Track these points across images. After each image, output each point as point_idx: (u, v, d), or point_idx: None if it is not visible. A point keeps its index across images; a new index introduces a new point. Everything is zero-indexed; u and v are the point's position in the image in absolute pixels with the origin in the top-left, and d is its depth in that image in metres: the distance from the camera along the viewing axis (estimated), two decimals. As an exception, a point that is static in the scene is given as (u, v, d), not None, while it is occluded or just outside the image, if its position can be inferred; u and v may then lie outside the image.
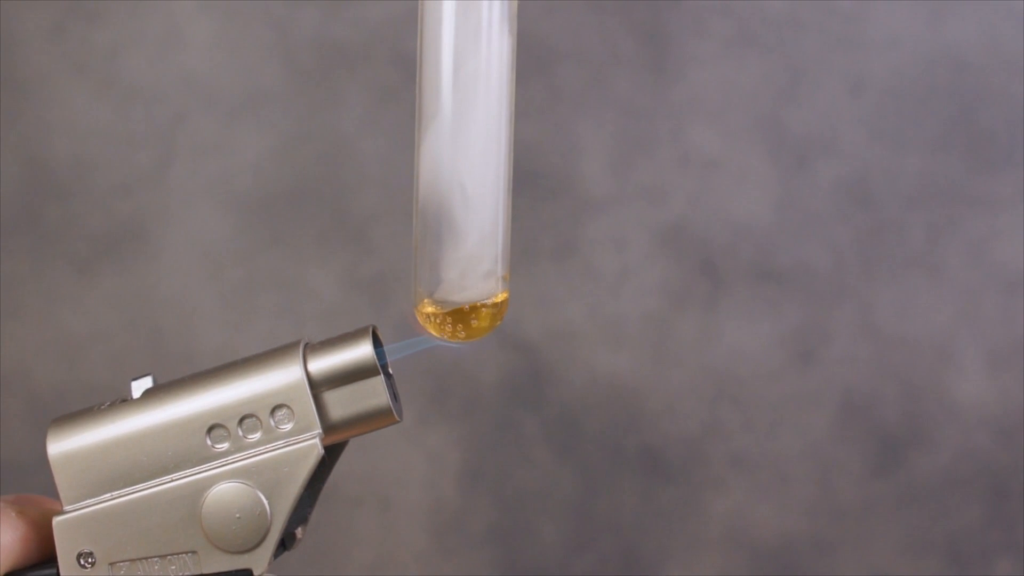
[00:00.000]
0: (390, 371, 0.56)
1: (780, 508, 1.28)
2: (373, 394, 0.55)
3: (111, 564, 0.55)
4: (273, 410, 0.55)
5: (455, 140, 0.55)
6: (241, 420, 0.55)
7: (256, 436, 0.55)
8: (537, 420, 1.27)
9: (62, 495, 0.56)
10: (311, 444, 0.55)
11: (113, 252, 1.23)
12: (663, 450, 1.27)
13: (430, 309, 0.57)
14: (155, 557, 0.55)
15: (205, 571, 0.55)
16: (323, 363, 0.55)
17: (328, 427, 0.55)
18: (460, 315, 0.57)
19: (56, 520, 0.55)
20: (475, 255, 0.56)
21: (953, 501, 1.28)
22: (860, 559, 1.28)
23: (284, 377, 0.55)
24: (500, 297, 0.57)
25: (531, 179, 1.24)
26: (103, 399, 0.58)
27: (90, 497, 0.55)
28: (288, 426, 0.55)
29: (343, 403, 0.55)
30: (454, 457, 1.27)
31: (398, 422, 0.56)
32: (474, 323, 0.57)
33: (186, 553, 0.55)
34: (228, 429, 0.55)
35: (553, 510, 1.27)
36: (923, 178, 1.26)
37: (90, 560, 0.55)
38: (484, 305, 0.56)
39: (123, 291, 1.24)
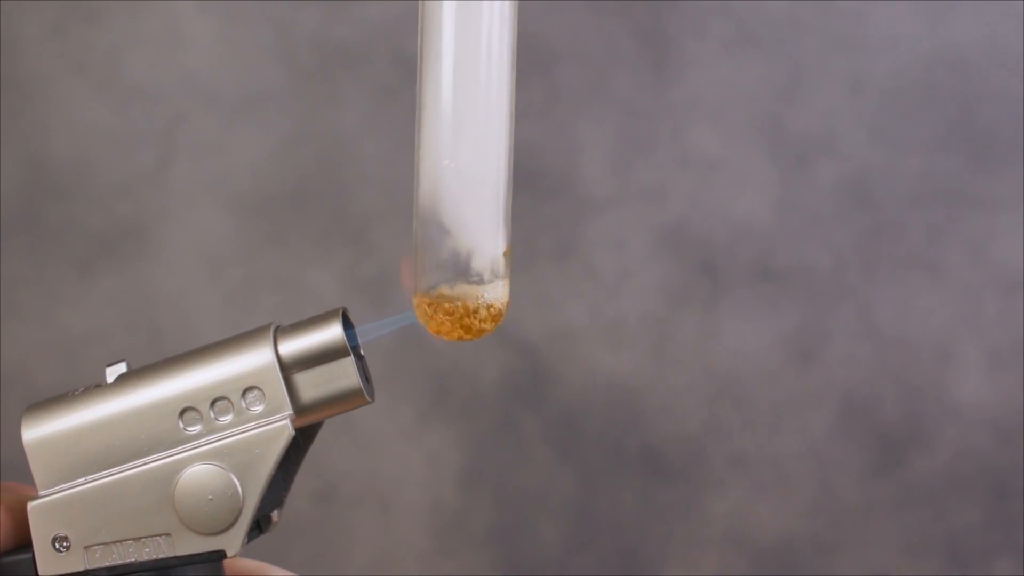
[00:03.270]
0: (361, 352, 0.57)
1: (780, 508, 1.28)
2: (344, 375, 0.55)
3: (86, 548, 0.55)
4: (244, 392, 0.55)
5: (455, 140, 0.55)
6: (213, 403, 0.55)
7: (228, 418, 0.55)
8: (537, 420, 1.27)
9: (37, 480, 0.56)
10: (282, 425, 0.55)
11: (113, 252, 1.24)
12: (663, 450, 1.27)
13: (430, 311, 0.57)
14: (129, 540, 0.55)
15: (179, 553, 0.55)
16: (293, 345, 0.55)
17: (299, 408, 0.55)
18: (460, 317, 0.57)
19: (31, 505, 0.56)
20: (475, 255, 0.56)
21: (953, 501, 1.28)
22: (860, 559, 1.28)
23: (255, 359, 0.55)
24: (500, 299, 0.57)
25: (531, 179, 1.24)
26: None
27: (64, 482, 0.56)
28: (259, 408, 0.55)
29: (314, 384, 0.55)
30: (454, 457, 1.27)
31: (370, 403, 0.56)
32: (474, 325, 0.57)
33: (160, 535, 0.55)
34: (200, 412, 0.55)
35: (553, 510, 1.27)
36: (923, 178, 1.26)
37: (65, 544, 0.55)
38: (484, 307, 0.56)
39: (123, 291, 1.24)
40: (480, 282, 0.56)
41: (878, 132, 1.26)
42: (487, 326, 0.57)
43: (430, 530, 1.27)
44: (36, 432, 0.56)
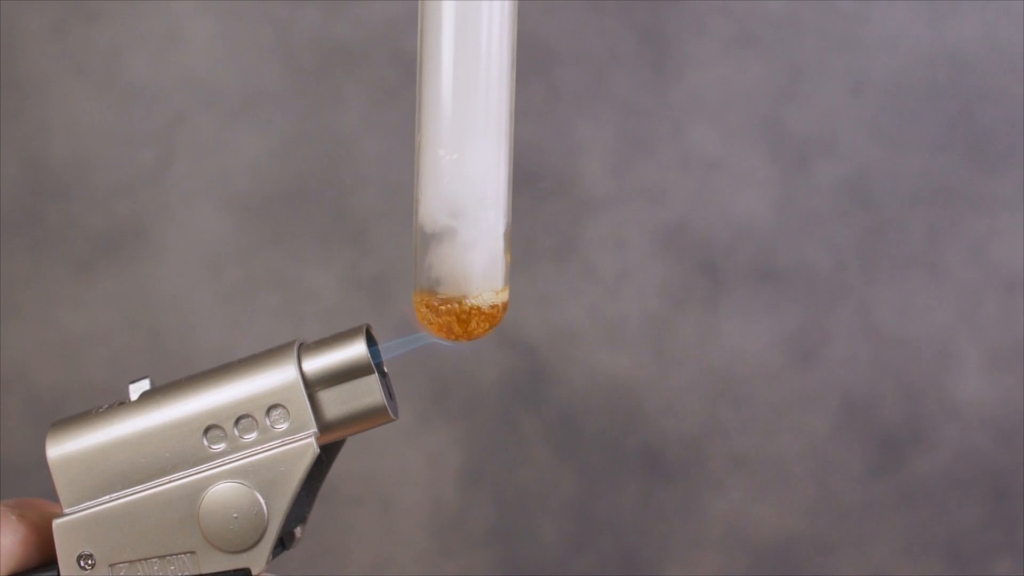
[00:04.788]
0: (385, 370, 0.57)
1: (780, 508, 1.28)
2: (368, 393, 0.55)
3: (111, 565, 0.56)
4: (269, 410, 0.55)
5: (455, 140, 0.55)
6: (237, 420, 0.55)
7: (252, 436, 0.55)
8: (537, 420, 1.27)
9: (61, 498, 0.56)
10: (307, 443, 0.55)
11: (113, 252, 1.23)
12: (663, 450, 1.27)
13: (429, 309, 0.57)
14: (154, 558, 0.55)
15: (204, 571, 0.55)
16: (317, 363, 0.55)
17: (323, 426, 0.55)
18: (459, 316, 0.57)
19: (56, 523, 0.56)
20: (475, 255, 0.56)
21: (953, 501, 1.28)
22: (860, 559, 1.28)
23: (279, 377, 0.55)
24: (500, 299, 0.57)
25: (531, 179, 1.24)
26: (103, 400, 0.58)
27: (89, 499, 0.56)
28: (284, 426, 0.55)
29: (338, 402, 0.55)
30: (454, 457, 1.27)
31: (394, 420, 0.56)
32: (473, 324, 0.57)
33: (185, 553, 0.55)
34: (224, 430, 0.55)
35: (553, 510, 1.27)
36: (923, 178, 1.26)
37: (90, 562, 0.56)
38: (483, 306, 0.56)
39: (123, 291, 1.24)
40: (480, 281, 0.56)
41: (878, 132, 1.26)
42: (486, 326, 0.57)
43: (430, 530, 1.27)
44: (61, 450, 0.56)
